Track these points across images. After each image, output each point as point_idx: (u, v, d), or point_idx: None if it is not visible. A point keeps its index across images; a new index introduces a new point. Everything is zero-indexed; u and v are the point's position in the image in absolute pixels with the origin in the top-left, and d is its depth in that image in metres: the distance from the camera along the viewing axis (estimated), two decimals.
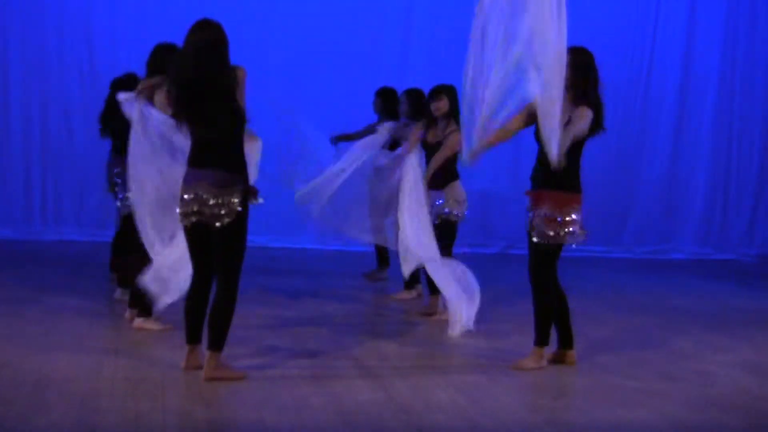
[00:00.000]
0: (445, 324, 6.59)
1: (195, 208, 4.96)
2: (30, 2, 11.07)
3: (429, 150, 7.18)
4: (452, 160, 7.04)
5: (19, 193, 11.15)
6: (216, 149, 4.95)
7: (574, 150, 5.35)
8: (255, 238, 10.57)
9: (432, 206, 6.99)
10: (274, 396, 4.81)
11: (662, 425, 4.61)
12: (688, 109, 11.98)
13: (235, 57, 5.00)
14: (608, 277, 9.99)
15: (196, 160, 5.00)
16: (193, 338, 5.20)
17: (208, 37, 4.89)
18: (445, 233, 6.98)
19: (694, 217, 12.02)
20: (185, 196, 5.00)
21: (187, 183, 5.01)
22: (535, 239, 5.50)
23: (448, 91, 7.06)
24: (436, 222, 6.95)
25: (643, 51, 11.91)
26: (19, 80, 11.08)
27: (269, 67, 10.01)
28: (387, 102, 8.53)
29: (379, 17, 11.42)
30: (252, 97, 5.04)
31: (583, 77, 5.34)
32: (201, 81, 4.86)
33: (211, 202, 4.92)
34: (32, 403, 4.50)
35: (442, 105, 7.06)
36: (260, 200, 5.15)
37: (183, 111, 4.95)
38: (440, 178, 7.08)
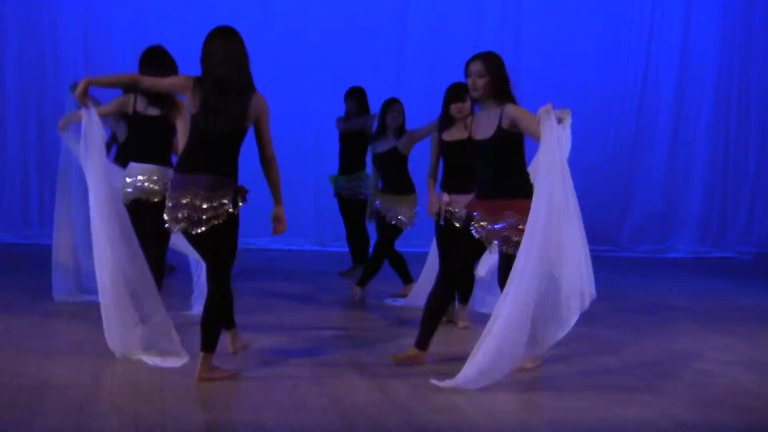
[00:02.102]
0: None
1: (185, 214, 4.97)
2: (26, 7, 11.08)
3: (447, 150, 6.77)
4: None
5: (17, 196, 11.16)
6: (210, 154, 4.98)
7: (520, 153, 5.37)
8: (253, 240, 10.75)
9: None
10: (273, 397, 4.81)
11: (661, 424, 4.61)
12: (685, 109, 12.00)
13: None
14: (607, 276, 9.97)
15: (187, 166, 5.03)
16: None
17: (239, 45, 5.03)
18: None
19: (692, 216, 12.03)
20: (170, 204, 5.02)
21: (174, 189, 5.02)
22: (509, 251, 5.35)
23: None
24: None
25: (640, 51, 11.92)
26: (16, 84, 11.09)
27: (266, 68, 10.00)
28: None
29: (376, 17, 11.42)
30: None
31: (500, 80, 5.41)
32: (229, 79, 4.95)
33: (205, 206, 4.94)
34: (31, 407, 4.49)
35: (466, 107, 6.62)
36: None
37: (207, 105, 4.97)
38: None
